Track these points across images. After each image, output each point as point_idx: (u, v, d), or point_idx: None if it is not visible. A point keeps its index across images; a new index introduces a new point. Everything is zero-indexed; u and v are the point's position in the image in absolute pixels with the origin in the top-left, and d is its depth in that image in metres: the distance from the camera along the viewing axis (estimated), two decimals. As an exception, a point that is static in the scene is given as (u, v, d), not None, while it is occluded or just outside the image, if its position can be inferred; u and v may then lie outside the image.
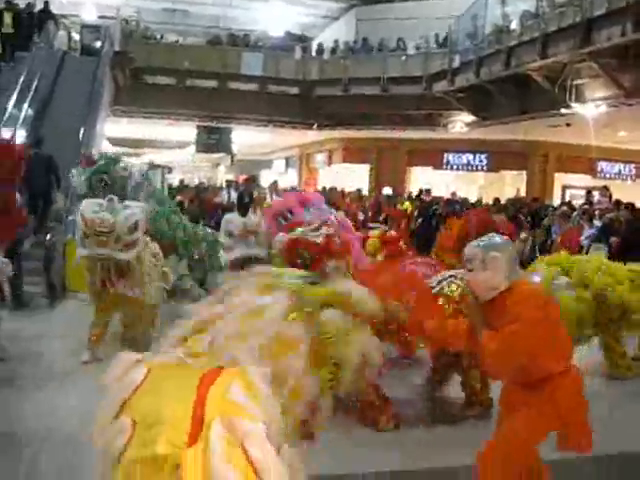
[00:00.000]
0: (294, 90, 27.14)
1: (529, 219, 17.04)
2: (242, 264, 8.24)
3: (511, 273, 3.99)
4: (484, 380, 6.06)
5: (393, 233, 8.89)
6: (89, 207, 7.12)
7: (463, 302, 5.15)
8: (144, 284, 7.35)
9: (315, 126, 27.39)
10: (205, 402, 2.17)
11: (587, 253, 14.19)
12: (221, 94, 25.89)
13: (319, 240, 6.18)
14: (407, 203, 19.45)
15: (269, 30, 30.55)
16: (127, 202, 7.56)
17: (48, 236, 11.56)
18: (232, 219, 9.50)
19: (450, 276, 5.80)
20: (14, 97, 16.87)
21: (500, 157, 27.05)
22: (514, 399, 4.12)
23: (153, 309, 7.78)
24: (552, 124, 20.90)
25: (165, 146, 34.96)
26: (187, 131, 28.93)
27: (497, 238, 4.20)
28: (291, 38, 30.10)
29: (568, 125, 20.44)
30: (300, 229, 6.60)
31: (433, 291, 5.62)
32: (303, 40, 29.76)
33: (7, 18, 19.17)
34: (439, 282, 5.74)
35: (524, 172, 26.99)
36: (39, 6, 20.97)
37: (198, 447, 2.09)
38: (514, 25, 20.31)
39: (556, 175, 26.86)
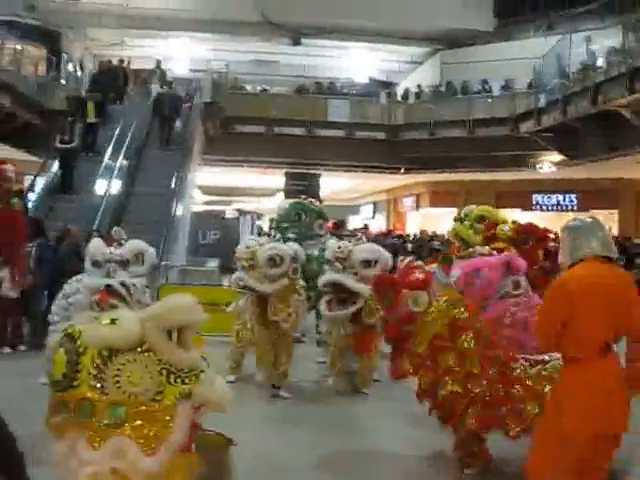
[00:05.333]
0: (380, 135, 27.37)
1: (622, 258, 16.58)
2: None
3: (575, 253, 4.08)
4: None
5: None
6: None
7: None
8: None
9: (402, 170, 27.49)
10: None
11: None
12: (309, 141, 26.38)
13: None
14: None
15: (354, 77, 31.06)
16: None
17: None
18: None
19: None
20: (109, 150, 17.70)
21: (590, 196, 26.44)
22: None
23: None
24: (644, 160, 20.37)
25: (254, 193, 35.66)
26: (276, 179, 29.46)
27: (575, 220, 4.29)
28: (376, 84, 30.43)
29: (660, 161, 19.91)
30: None
31: None
32: (387, 85, 30.00)
33: (90, 108, 18.62)
34: None
35: (616, 211, 26.34)
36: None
37: None
38: (600, 62, 20.06)
39: (650, 213, 26.10)
